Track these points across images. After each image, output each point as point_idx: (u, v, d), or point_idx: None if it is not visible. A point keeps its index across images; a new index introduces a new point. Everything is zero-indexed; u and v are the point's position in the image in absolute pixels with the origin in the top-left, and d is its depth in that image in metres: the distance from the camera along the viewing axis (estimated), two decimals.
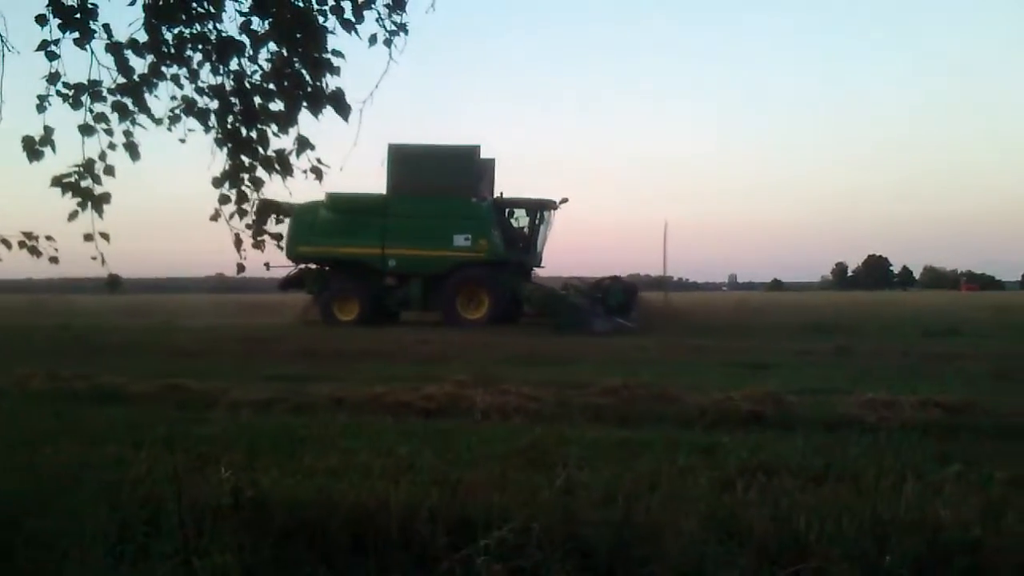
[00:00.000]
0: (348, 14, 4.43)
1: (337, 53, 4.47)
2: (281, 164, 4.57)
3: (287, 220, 24.58)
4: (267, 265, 20.16)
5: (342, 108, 4.46)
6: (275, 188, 4.65)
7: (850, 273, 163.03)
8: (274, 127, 4.56)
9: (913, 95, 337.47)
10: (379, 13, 4.55)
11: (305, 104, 4.49)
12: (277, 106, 4.54)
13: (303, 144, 4.54)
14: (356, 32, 4.47)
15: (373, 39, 4.56)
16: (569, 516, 3.53)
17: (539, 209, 24.67)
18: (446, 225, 23.39)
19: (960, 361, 12.07)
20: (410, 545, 3.43)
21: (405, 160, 23.70)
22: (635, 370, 9.87)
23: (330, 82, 4.49)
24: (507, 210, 24.61)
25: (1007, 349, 13.97)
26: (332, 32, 4.44)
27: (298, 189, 4.68)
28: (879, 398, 7.21)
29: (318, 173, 4.61)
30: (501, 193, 24.49)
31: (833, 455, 5.06)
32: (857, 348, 14.23)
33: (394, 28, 4.62)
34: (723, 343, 15.77)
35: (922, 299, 59.40)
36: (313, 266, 25.09)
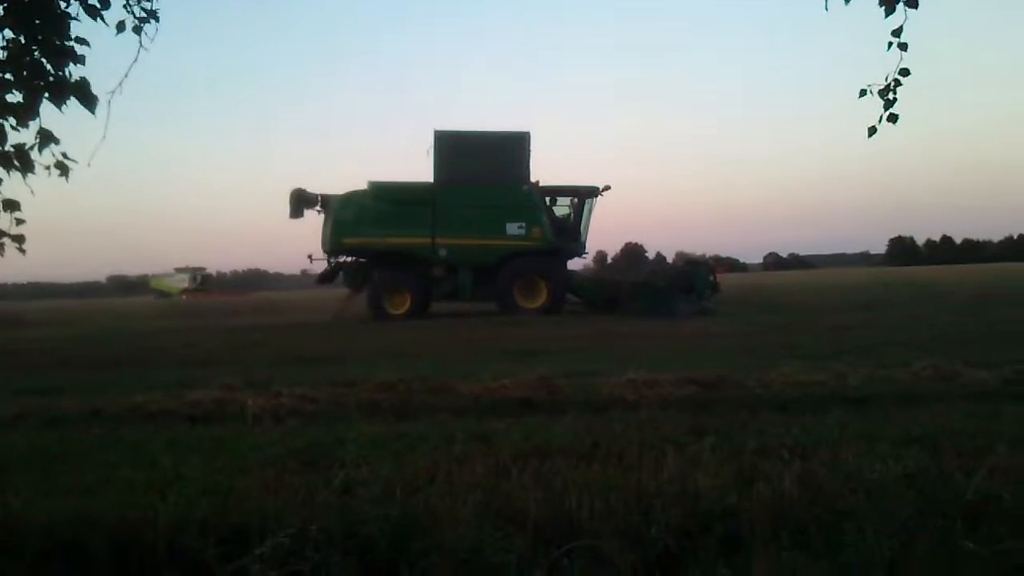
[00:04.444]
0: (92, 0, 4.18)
1: (81, 41, 4.19)
2: (21, 160, 4.23)
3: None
4: (310, 257, 18.79)
5: (88, 99, 4.18)
6: (14, 186, 4.31)
7: (609, 260, 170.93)
8: (12, 120, 4.22)
9: (665, 91, 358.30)
10: None
11: (47, 95, 4.18)
12: (15, 97, 4.20)
13: (46, 138, 4.23)
14: (102, 19, 4.21)
15: (121, 26, 4.32)
16: (347, 515, 3.50)
17: (585, 196, 24.19)
18: (498, 213, 22.76)
19: (711, 340, 12.97)
20: (179, 560, 3.28)
21: (452, 147, 22.86)
22: (408, 364, 9.91)
23: (74, 72, 4.20)
24: (549, 197, 24.00)
25: (751, 328, 15.11)
26: (75, 19, 4.16)
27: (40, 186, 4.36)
28: (640, 377, 7.57)
29: (64, 169, 4.31)
30: (538, 181, 23.62)
31: (600, 434, 5.27)
32: (617, 330, 14.96)
33: (144, 15, 4.41)
34: (495, 332, 16.12)
35: None
36: (349, 259, 23.81)
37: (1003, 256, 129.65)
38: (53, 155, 4.26)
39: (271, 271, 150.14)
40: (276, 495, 3.86)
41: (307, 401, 7.19)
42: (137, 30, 4.39)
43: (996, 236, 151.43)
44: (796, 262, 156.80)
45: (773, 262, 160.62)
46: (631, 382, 7.45)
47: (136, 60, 4.46)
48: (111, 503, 3.76)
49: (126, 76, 4.42)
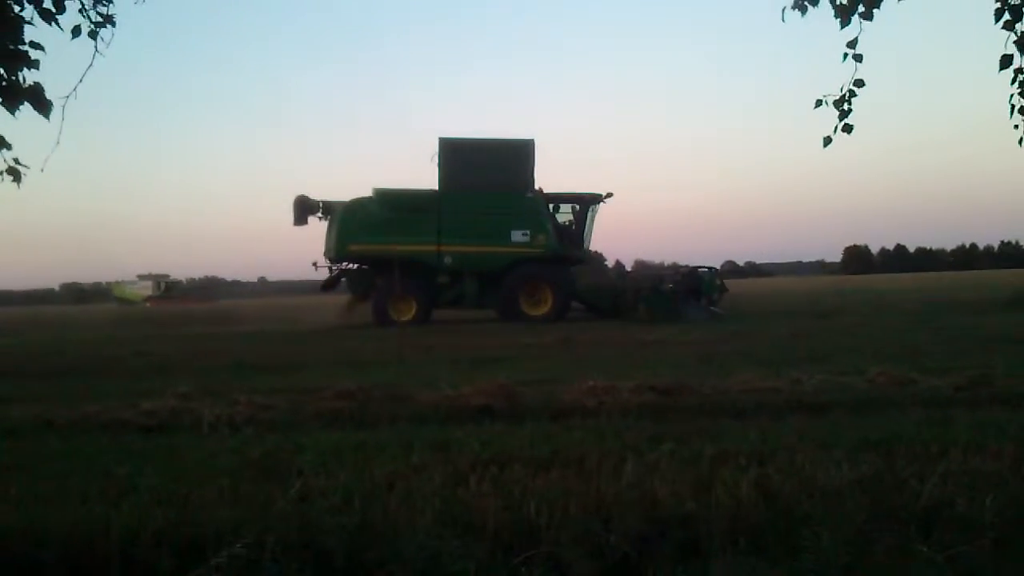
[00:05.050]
0: (48, 3, 4.11)
1: (36, 45, 4.12)
2: None
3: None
4: (315, 265, 18.75)
5: (41, 104, 4.12)
6: None
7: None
8: None
9: (621, 98, 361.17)
10: (83, 4, 4.27)
11: None
12: None
13: None
14: (57, 23, 4.15)
15: (76, 31, 4.27)
16: (305, 525, 3.47)
17: (588, 203, 24.17)
18: (504, 221, 22.82)
19: (669, 347, 13.05)
20: (134, 571, 3.23)
21: (458, 154, 22.88)
22: (369, 372, 9.85)
23: (28, 76, 4.13)
24: (552, 204, 23.96)
25: (709, 335, 15.24)
26: (30, 22, 4.10)
27: None
28: (599, 384, 7.57)
29: (15, 174, 4.24)
30: (541, 188, 23.61)
31: (559, 441, 5.28)
32: (579, 338, 14.99)
33: (100, 20, 4.35)
34: (458, 339, 16.09)
35: None
36: (353, 266, 23.70)
37: (955, 265, 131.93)
38: (5, 160, 4.19)
39: (228, 278, 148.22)
40: (232, 505, 3.82)
41: (265, 409, 7.10)
42: (93, 35, 4.34)
43: (949, 245, 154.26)
44: (752, 270, 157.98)
45: (730, 270, 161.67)
46: (591, 389, 7.45)
47: (91, 65, 4.41)
48: (64, 514, 3.69)
49: (80, 81, 4.36)
